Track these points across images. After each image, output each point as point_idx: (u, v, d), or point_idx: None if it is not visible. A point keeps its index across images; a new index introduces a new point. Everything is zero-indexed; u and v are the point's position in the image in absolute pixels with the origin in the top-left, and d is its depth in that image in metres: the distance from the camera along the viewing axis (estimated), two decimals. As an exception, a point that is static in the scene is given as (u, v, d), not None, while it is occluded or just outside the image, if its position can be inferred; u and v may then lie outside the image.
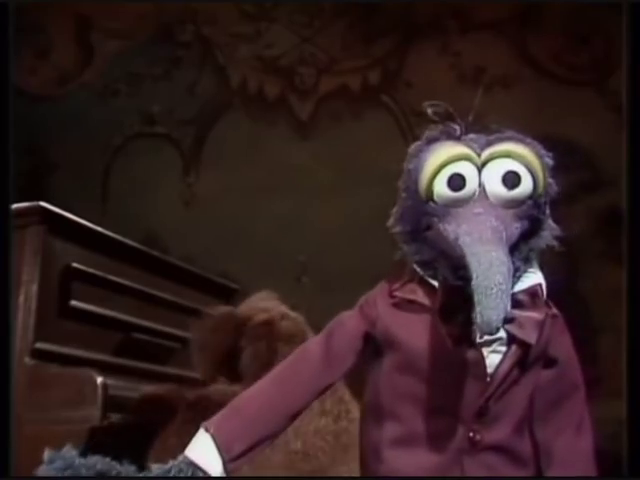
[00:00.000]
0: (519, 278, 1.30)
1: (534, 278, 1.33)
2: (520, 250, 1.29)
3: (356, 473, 1.48)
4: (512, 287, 1.22)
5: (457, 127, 1.30)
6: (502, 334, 1.27)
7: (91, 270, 2.40)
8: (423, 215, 1.29)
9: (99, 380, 2.13)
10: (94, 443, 2.02)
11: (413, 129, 4.03)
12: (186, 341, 2.73)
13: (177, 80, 4.50)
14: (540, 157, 1.27)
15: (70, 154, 4.44)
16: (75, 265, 2.35)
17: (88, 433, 2.07)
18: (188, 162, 4.45)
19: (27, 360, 2.18)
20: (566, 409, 1.38)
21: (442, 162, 1.25)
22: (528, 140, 1.29)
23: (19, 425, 2.03)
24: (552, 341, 1.34)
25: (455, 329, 1.27)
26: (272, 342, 2.06)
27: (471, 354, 1.29)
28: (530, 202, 1.26)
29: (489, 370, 1.29)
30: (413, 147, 1.32)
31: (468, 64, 4.20)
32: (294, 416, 1.35)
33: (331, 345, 1.36)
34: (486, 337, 1.26)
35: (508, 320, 1.21)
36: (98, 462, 1.27)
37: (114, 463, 1.29)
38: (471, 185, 1.25)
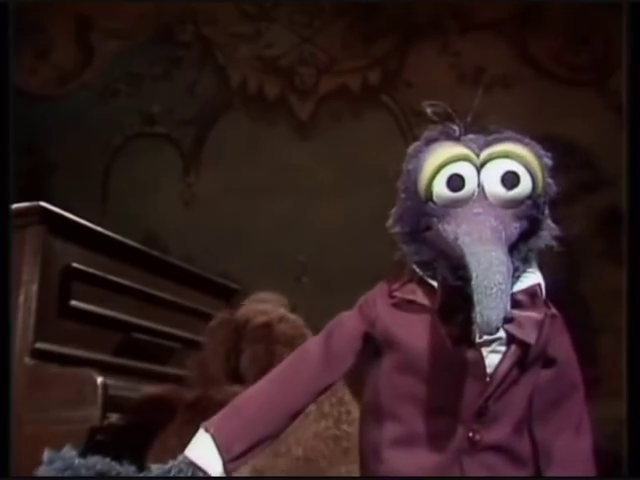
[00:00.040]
0: (518, 278, 1.30)
1: (533, 278, 1.33)
2: (519, 250, 1.29)
3: (356, 474, 1.49)
4: (511, 287, 1.22)
5: (456, 128, 1.30)
6: (501, 334, 1.27)
7: (91, 270, 2.41)
8: (422, 215, 1.29)
9: (99, 380, 2.13)
10: (94, 443, 2.02)
11: (413, 129, 4.03)
12: (186, 341, 2.74)
13: (177, 80, 4.50)
14: (539, 157, 1.27)
15: (70, 154, 4.44)
16: (75, 265, 2.35)
17: (88, 433, 2.07)
18: (188, 162, 4.45)
19: (27, 360, 2.18)
20: (565, 409, 1.38)
21: (441, 163, 1.25)
22: (527, 140, 1.29)
23: (19, 425, 2.03)
24: (551, 341, 1.35)
25: (454, 329, 1.27)
26: (270, 345, 2.06)
27: (470, 354, 1.29)
28: (529, 202, 1.26)
29: (488, 370, 1.29)
30: (412, 148, 1.33)
31: (468, 64, 4.19)
32: (294, 416, 1.35)
33: (331, 345, 1.36)
34: (486, 337, 1.26)
35: (507, 320, 1.21)
36: (98, 462, 1.27)
37: (114, 463, 1.29)
38: (470, 185, 1.25)
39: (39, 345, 2.21)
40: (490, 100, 3.64)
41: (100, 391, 2.12)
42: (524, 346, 1.30)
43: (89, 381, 2.14)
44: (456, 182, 1.24)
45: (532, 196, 1.26)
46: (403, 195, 1.33)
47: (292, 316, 2.20)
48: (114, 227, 2.62)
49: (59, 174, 4.48)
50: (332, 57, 4.39)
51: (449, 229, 1.24)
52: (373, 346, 1.37)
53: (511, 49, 4.19)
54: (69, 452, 1.27)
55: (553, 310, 1.37)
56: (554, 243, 1.33)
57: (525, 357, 1.30)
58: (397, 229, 1.36)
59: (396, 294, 1.35)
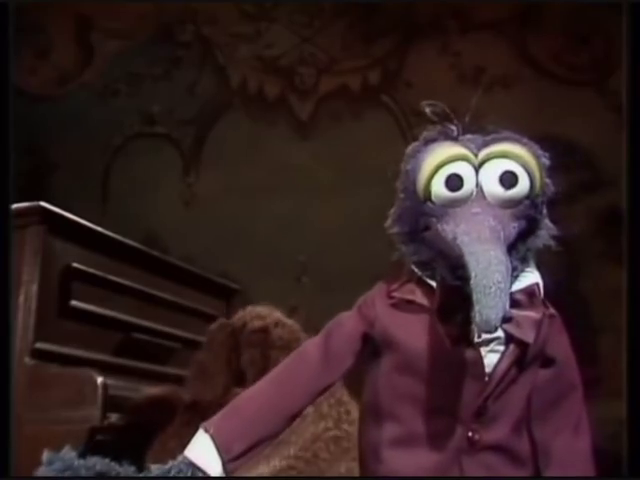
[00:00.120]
0: (517, 278, 1.31)
1: (531, 278, 1.34)
2: (518, 250, 1.29)
3: (356, 471, 1.49)
4: (510, 286, 1.22)
5: (454, 128, 1.31)
6: (500, 333, 1.28)
7: (91, 270, 2.40)
8: (421, 215, 1.29)
9: (99, 380, 2.13)
10: (94, 443, 2.02)
11: (413, 129, 4.03)
12: (186, 341, 2.74)
13: (177, 80, 4.50)
14: (537, 157, 1.28)
15: (70, 154, 4.44)
16: (75, 265, 2.35)
17: (88, 433, 2.07)
18: (188, 162, 4.44)
19: (27, 360, 2.18)
20: (564, 409, 1.38)
21: (439, 162, 1.26)
22: (525, 140, 1.30)
23: (19, 425, 2.03)
24: (550, 341, 1.35)
25: (453, 329, 1.28)
26: (266, 349, 2.06)
27: (469, 354, 1.29)
28: (527, 202, 1.27)
29: (487, 370, 1.29)
30: (410, 148, 1.33)
31: (468, 64, 4.19)
32: (293, 417, 1.35)
33: (330, 346, 1.36)
34: (484, 336, 1.26)
35: (506, 319, 1.22)
36: (97, 463, 1.27)
37: (113, 464, 1.29)
38: (468, 185, 1.25)
39: (39, 345, 2.21)
40: (490, 100, 3.64)
41: (100, 391, 2.12)
42: (523, 345, 1.30)
43: (89, 381, 2.14)
44: (454, 182, 1.25)
45: (530, 196, 1.26)
46: (402, 195, 1.33)
47: (288, 320, 2.20)
48: (114, 227, 2.61)
49: (59, 174, 4.48)
50: (332, 57, 4.39)
51: (448, 229, 1.24)
52: (372, 346, 1.37)
53: (511, 49, 4.19)
54: (68, 453, 1.27)
55: (551, 310, 1.37)
56: (552, 243, 1.33)
57: (524, 357, 1.30)
58: (396, 229, 1.36)
59: (395, 294, 1.36)
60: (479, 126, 1.32)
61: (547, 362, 1.37)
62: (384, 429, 1.34)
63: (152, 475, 1.28)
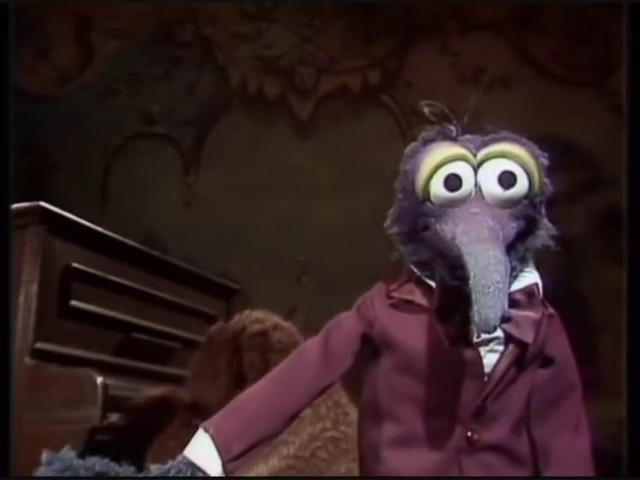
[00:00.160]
0: (515, 277, 1.31)
1: (530, 277, 1.34)
2: (516, 249, 1.30)
3: (355, 472, 1.49)
4: (509, 286, 1.22)
5: (453, 128, 1.31)
6: (499, 333, 1.28)
7: (91, 270, 2.40)
8: (420, 216, 1.29)
9: (99, 380, 2.13)
10: (94, 443, 2.02)
11: (413, 129, 4.02)
12: (186, 341, 2.74)
13: (177, 80, 4.50)
14: (535, 157, 1.28)
15: (70, 154, 4.44)
16: (75, 265, 2.35)
17: (88, 433, 2.07)
18: (188, 162, 4.44)
19: (27, 360, 2.18)
20: (563, 409, 1.38)
21: (438, 163, 1.26)
22: (523, 140, 1.30)
23: (19, 425, 2.02)
24: (549, 340, 1.35)
25: (452, 329, 1.28)
26: (266, 353, 2.06)
27: (469, 354, 1.29)
28: (526, 202, 1.27)
29: (486, 370, 1.29)
30: (409, 148, 1.33)
31: (468, 64, 4.19)
32: (293, 417, 1.36)
33: (329, 346, 1.36)
34: (483, 336, 1.27)
35: (505, 319, 1.22)
36: (97, 463, 1.27)
37: (113, 464, 1.29)
38: (467, 185, 1.25)
39: (39, 345, 2.20)
40: (490, 100, 3.64)
41: (100, 391, 2.12)
42: (522, 345, 1.30)
43: (89, 381, 2.14)
44: (453, 182, 1.25)
45: (529, 196, 1.27)
46: (400, 195, 1.33)
47: (286, 324, 2.20)
48: (114, 227, 2.61)
49: (59, 174, 4.47)
50: (332, 57, 4.38)
51: (447, 229, 1.25)
52: (371, 347, 1.38)
53: (511, 49, 4.19)
54: (68, 453, 1.27)
55: (550, 310, 1.37)
56: (551, 243, 1.34)
57: (523, 356, 1.31)
58: (395, 229, 1.36)
59: (394, 294, 1.36)
60: (478, 126, 1.32)
61: (546, 362, 1.37)
62: (383, 429, 1.35)
63: (152, 475, 1.28)
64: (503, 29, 4.20)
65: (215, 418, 1.34)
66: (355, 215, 3.95)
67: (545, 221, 1.33)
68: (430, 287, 1.32)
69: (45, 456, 1.27)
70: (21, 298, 2.20)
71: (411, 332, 1.32)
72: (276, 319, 2.20)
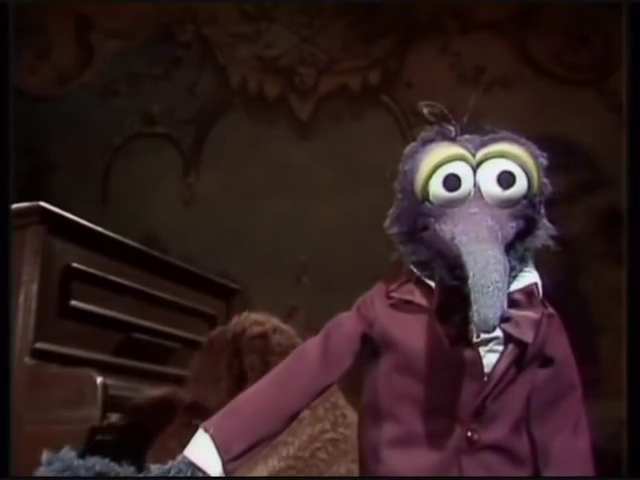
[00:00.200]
0: (515, 277, 1.31)
1: (530, 277, 1.34)
2: (516, 249, 1.30)
3: (356, 473, 1.49)
4: (508, 286, 1.22)
5: (452, 128, 1.31)
6: (499, 333, 1.28)
7: (91, 270, 2.40)
8: (419, 216, 1.30)
9: (99, 380, 2.13)
10: (94, 443, 2.02)
11: (413, 129, 4.02)
12: (186, 341, 2.74)
13: (177, 80, 4.50)
14: (534, 157, 1.28)
15: (70, 154, 4.44)
16: (75, 265, 2.35)
17: (88, 433, 2.07)
18: (188, 162, 4.44)
19: (27, 360, 2.18)
20: (563, 409, 1.38)
21: (437, 163, 1.26)
22: (522, 140, 1.30)
23: (19, 425, 2.02)
24: (548, 340, 1.35)
25: (452, 329, 1.28)
26: (266, 356, 2.06)
27: (468, 354, 1.29)
28: (525, 202, 1.27)
29: (486, 370, 1.30)
30: (408, 148, 1.33)
31: (468, 64, 4.19)
32: (293, 417, 1.36)
33: (329, 346, 1.36)
34: (483, 336, 1.27)
35: (504, 319, 1.22)
36: (97, 463, 1.27)
37: (113, 464, 1.29)
38: (466, 185, 1.25)
39: (39, 345, 2.20)
40: (490, 100, 3.65)
41: (100, 391, 2.12)
42: (521, 345, 1.30)
43: (89, 381, 2.14)
44: (452, 182, 1.25)
45: (528, 196, 1.27)
46: (400, 195, 1.34)
47: (285, 326, 2.20)
48: (114, 227, 2.61)
49: (59, 174, 4.48)
50: (332, 57, 4.38)
51: (446, 229, 1.25)
52: (371, 347, 1.38)
53: (511, 49, 4.19)
54: (68, 453, 1.27)
55: (550, 309, 1.37)
56: (550, 242, 1.34)
57: (522, 356, 1.31)
58: (394, 229, 1.36)
59: (394, 294, 1.36)
60: (477, 126, 1.32)
61: (546, 362, 1.37)
62: (383, 429, 1.35)
63: (152, 475, 1.28)
64: (503, 29, 4.20)
65: (215, 418, 1.34)
66: (355, 215, 3.95)
67: (544, 221, 1.33)
68: (430, 287, 1.32)
69: (45, 456, 1.27)
70: (21, 298, 2.20)
71: (411, 332, 1.32)
72: (275, 321, 2.20)
